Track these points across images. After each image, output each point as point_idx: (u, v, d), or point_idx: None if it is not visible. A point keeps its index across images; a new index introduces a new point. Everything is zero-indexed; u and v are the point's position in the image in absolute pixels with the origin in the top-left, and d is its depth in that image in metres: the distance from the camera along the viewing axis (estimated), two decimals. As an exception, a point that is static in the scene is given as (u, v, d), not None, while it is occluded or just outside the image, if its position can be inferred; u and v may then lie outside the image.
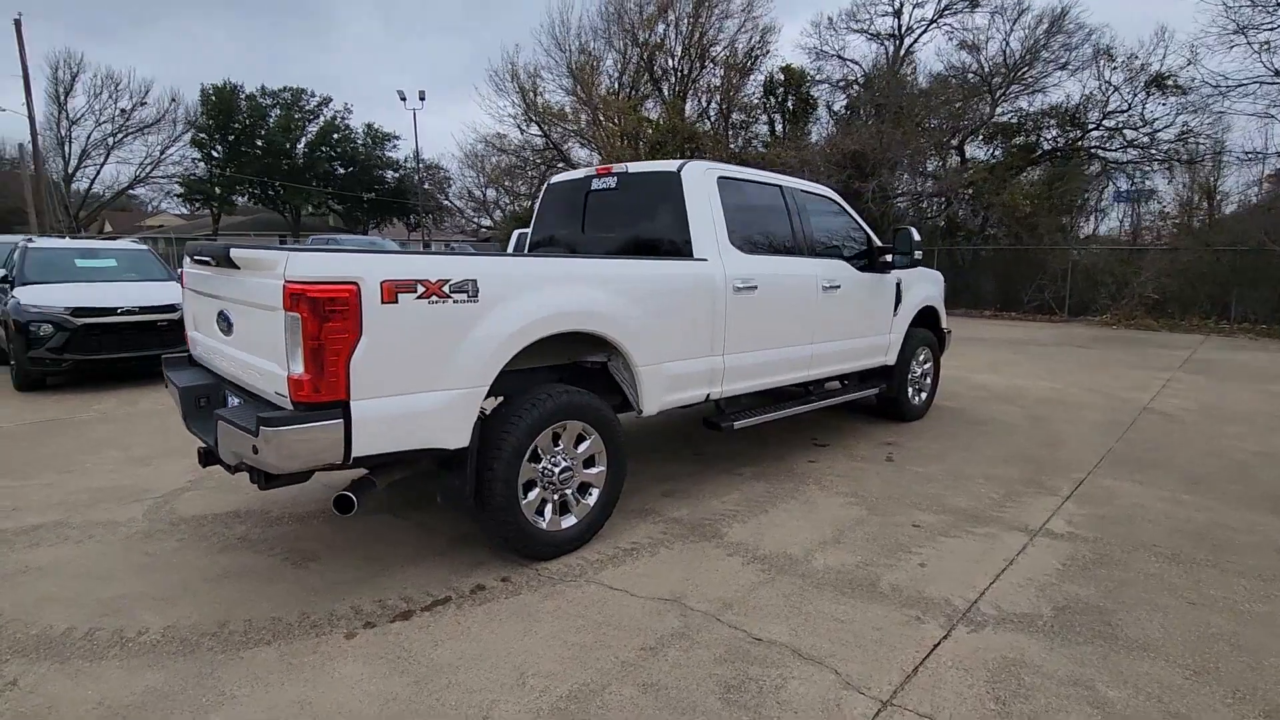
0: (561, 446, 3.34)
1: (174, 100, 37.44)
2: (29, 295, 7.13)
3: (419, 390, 2.77)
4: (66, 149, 37.26)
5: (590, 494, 3.50)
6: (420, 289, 2.73)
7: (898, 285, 5.60)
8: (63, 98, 36.12)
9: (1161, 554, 3.49)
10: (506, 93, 27.02)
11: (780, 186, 4.73)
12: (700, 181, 4.09)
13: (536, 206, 5.15)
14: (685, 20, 24.79)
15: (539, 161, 29.40)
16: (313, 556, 3.39)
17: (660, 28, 24.58)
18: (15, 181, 33.64)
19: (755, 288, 4.18)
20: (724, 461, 4.95)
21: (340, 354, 2.54)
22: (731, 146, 26.72)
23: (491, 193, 31.83)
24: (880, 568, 3.30)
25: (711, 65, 25.34)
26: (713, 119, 27.29)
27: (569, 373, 3.81)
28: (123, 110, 37.39)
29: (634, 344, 3.54)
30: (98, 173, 37.88)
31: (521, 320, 3.03)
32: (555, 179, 5.00)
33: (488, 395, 3.06)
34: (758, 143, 24.56)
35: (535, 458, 3.24)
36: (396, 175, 44.70)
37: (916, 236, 5.20)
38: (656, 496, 4.23)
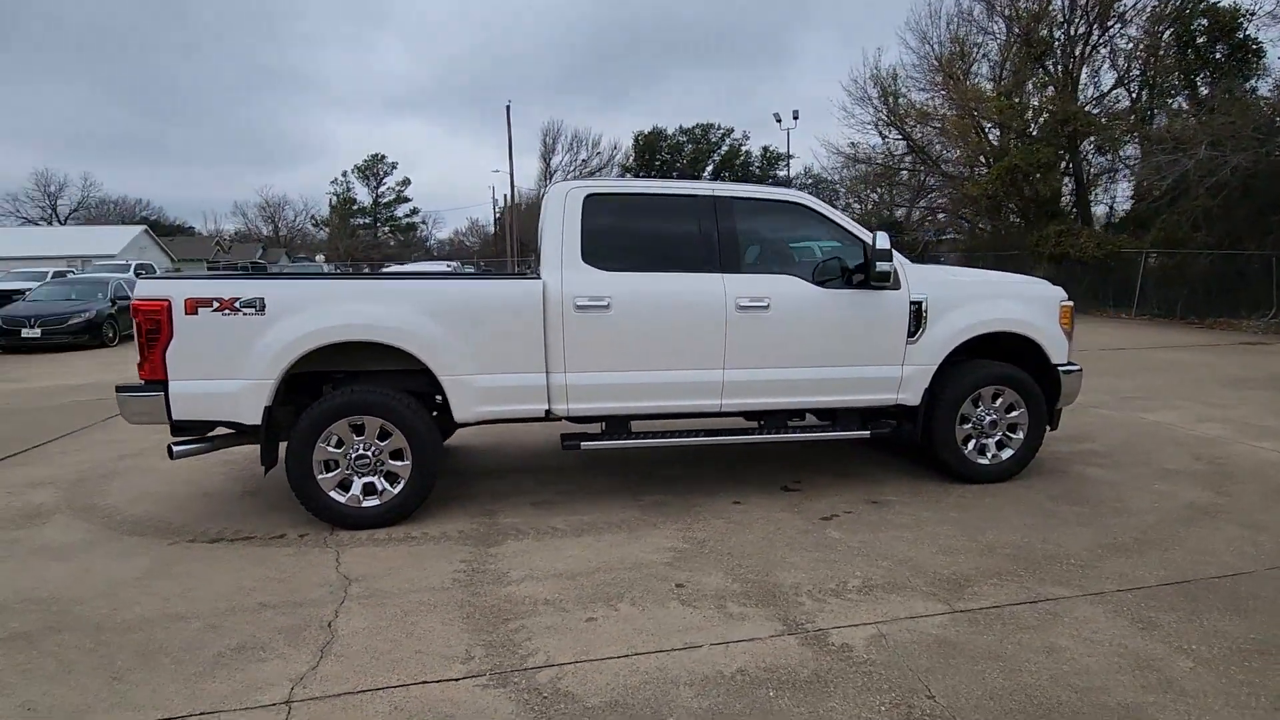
0: (363, 438, 3.98)
1: (615, 147, 46.77)
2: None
3: (219, 378, 3.80)
4: (549, 193, 49.75)
5: (399, 483, 4.05)
6: (215, 304, 3.76)
7: (919, 306, 4.39)
8: (548, 156, 48.30)
9: (893, 710, 2.37)
10: (866, 100, 26.20)
11: (697, 197, 4.34)
12: (558, 201, 4.17)
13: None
14: (1081, -23, 20.33)
15: (901, 166, 27.68)
16: (258, 491, 4.72)
17: (1042, -7, 20.67)
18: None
19: (607, 306, 4.05)
20: (650, 484, 4.74)
21: (158, 349, 3.74)
22: (1156, 123, 20.99)
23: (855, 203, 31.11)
24: (526, 610, 3.07)
25: (1118, 24, 20.21)
26: (1134, 92, 21.76)
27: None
28: (583, 160, 48.19)
29: (431, 356, 3.94)
30: (565, 210, 49.77)
31: (299, 330, 3.80)
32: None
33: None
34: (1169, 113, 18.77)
35: (339, 444, 3.97)
36: (786, 191, 47.04)
37: (883, 243, 4.06)
38: (524, 504, 4.43)
